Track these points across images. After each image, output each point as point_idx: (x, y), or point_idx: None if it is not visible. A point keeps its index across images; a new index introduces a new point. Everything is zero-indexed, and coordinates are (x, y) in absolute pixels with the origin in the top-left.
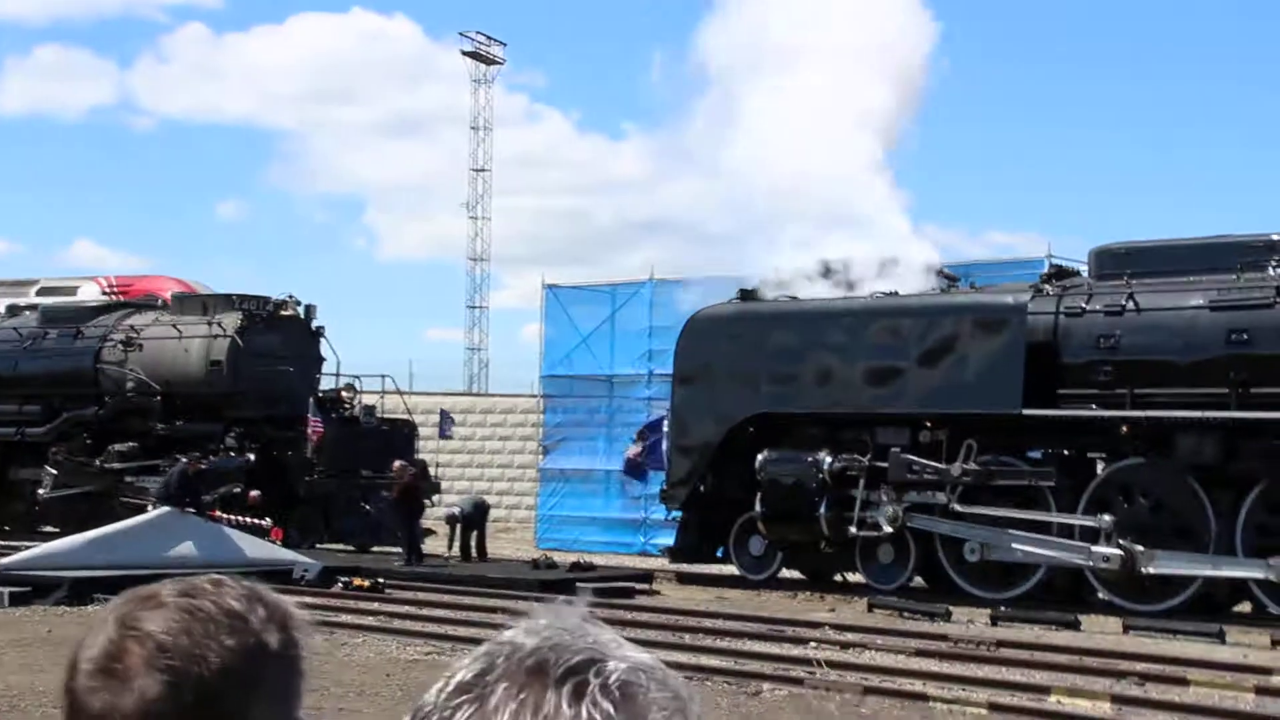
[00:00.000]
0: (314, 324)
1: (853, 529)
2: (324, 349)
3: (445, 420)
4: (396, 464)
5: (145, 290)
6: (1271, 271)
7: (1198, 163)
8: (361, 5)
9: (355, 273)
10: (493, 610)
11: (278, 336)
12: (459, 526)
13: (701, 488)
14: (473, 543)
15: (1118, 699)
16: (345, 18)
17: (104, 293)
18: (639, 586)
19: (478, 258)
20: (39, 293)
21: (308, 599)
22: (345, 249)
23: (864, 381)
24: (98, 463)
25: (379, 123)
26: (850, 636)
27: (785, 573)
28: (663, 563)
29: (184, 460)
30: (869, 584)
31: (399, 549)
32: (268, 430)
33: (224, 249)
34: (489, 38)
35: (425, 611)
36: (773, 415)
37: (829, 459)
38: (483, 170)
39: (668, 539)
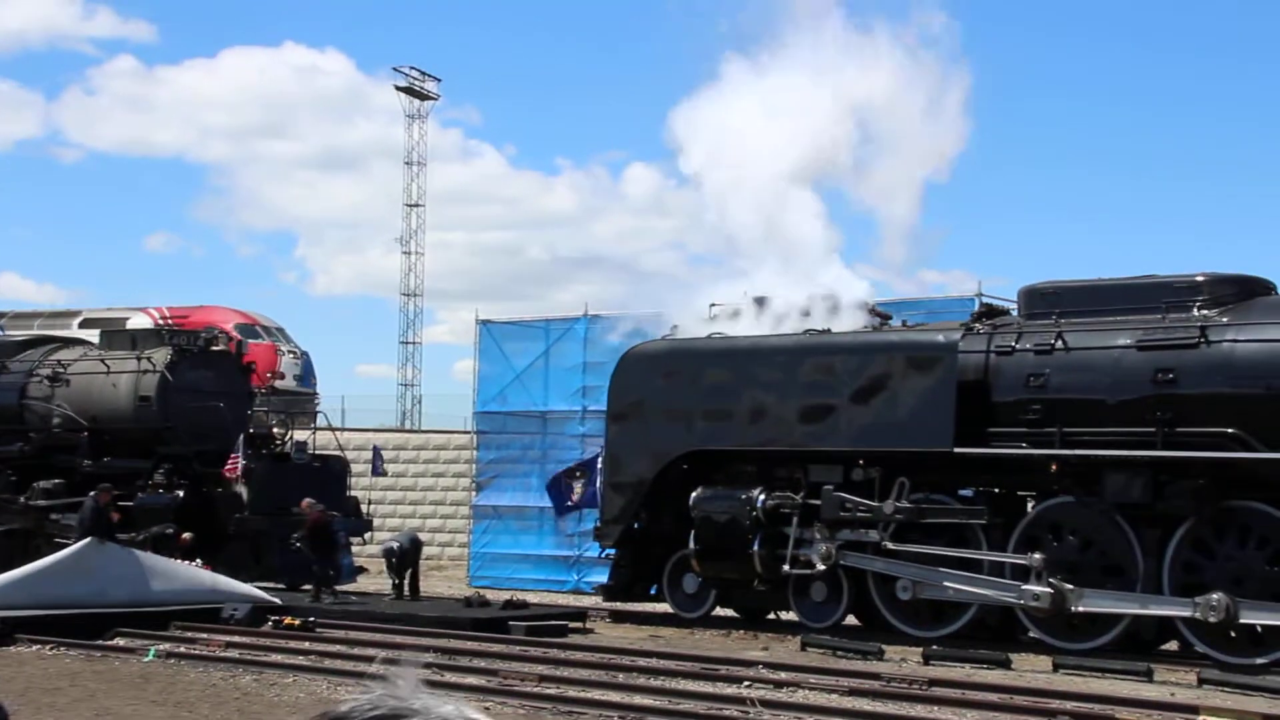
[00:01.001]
0: (245, 359)
1: (786, 567)
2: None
3: (377, 457)
4: (305, 502)
5: (204, 321)
6: (1196, 312)
7: (1122, 202)
8: (294, 40)
9: (286, 307)
10: (425, 649)
11: (208, 372)
12: (395, 562)
13: (635, 525)
14: (405, 579)
15: None
16: (277, 52)
17: (157, 324)
18: (572, 625)
19: (411, 293)
20: (82, 324)
21: (237, 638)
22: (276, 283)
23: (797, 419)
24: (22, 500)
25: (311, 157)
26: (784, 675)
27: (719, 611)
28: (596, 601)
29: (93, 493)
30: (802, 622)
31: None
32: (197, 466)
33: (152, 282)
34: (423, 73)
35: (357, 651)
36: (706, 452)
37: (762, 496)
38: (416, 205)
39: (601, 577)
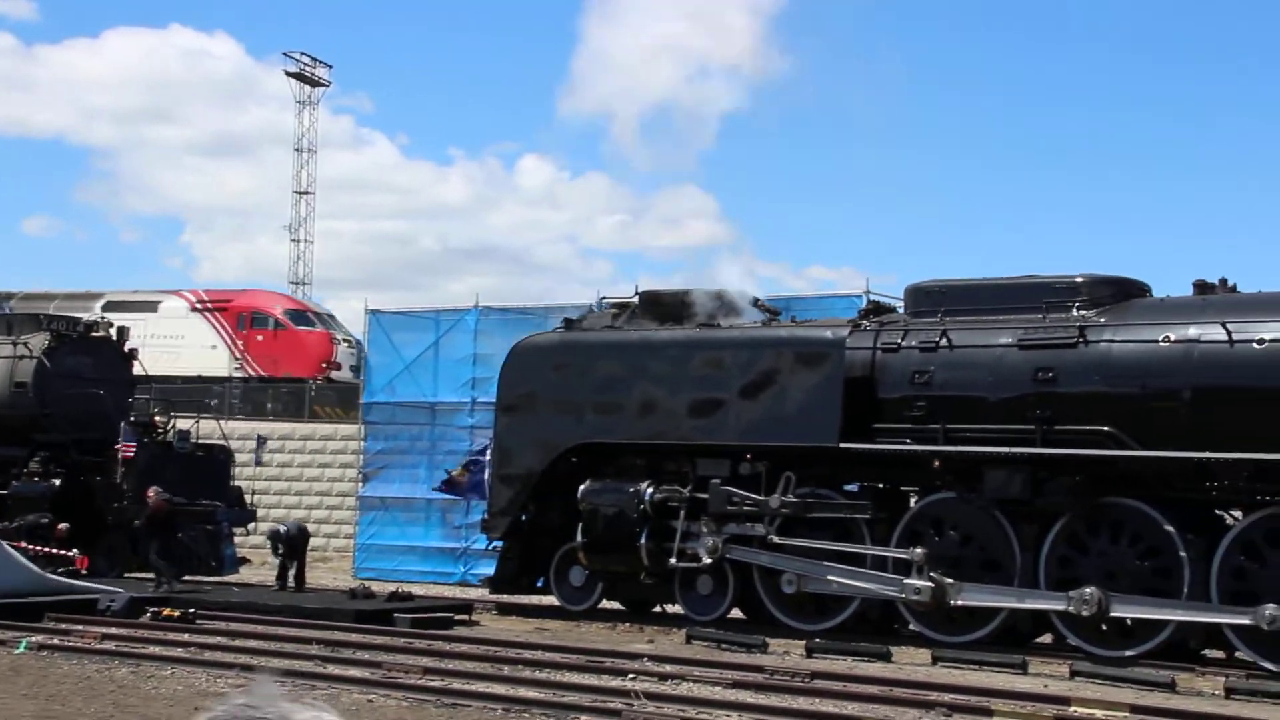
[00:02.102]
0: (127, 346)
1: (673, 560)
2: (138, 371)
3: (260, 446)
4: (150, 490)
5: (249, 306)
6: (1075, 312)
7: (1007, 200)
8: (181, 22)
9: None
10: (308, 641)
11: (88, 358)
12: (281, 549)
13: (523, 517)
14: (291, 569)
15: None
16: (164, 34)
17: (194, 308)
18: (458, 617)
19: (300, 281)
20: (105, 307)
21: (114, 630)
22: (161, 270)
23: (686, 413)
24: None
25: (199, 142)
26: (668, 668)
27: (605, 603)
28: (483, 593)
29: None
30: (688, 615)
31: (208, 578)
32: (75, 455)
33: (31, 266)
34: (314, 59)
35: (238, 643)
36: (595, 445)
37: (650, 490)
38: (306, 193)
39: (488, 569)
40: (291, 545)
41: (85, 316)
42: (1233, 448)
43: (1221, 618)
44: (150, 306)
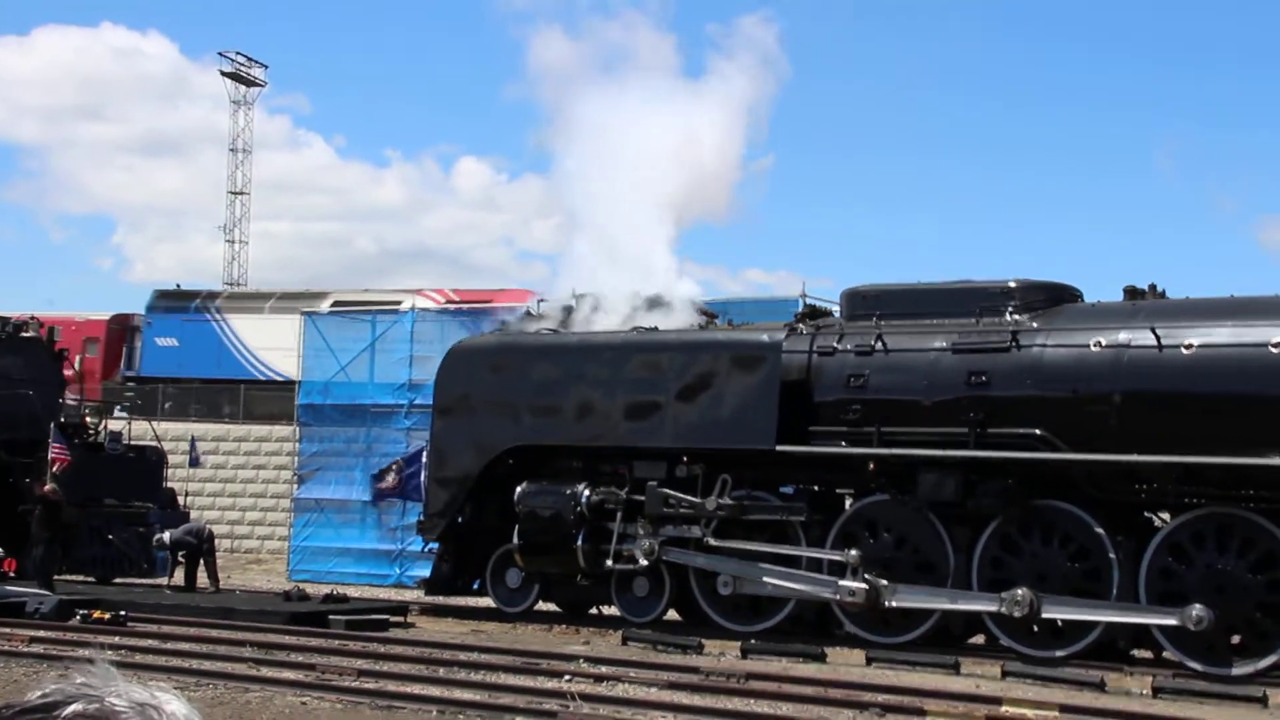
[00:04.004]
0: (57, 346)
1: (609, 562)
2: (68, 372)
3: (195, 448)
4: (47, 487)
5: (509, 304)
6: (1008, 316)
7: (941, 205)
8: (112, 20)
9: (102, 295)
10: (241, 644)
11: (17, 359)
12: (183, 554)
13: (459, 519)
14: (195, 572)
15: None
16: (95, 32)
17: (442, 308)
18: (394, 619)
19: (234, 282)
20: (332, 308)
21: (43, 633)
22: (91, 270)
23: (623, 415)
24: None
25: (131, 141)
26: (604, 669)
27: (542, 605)
28: (418, 595)
29: None
30: (624, 616)
31: (141, 580)
32: (5, 456)
33: None
34: (250, 59)
35: (170, 645)
36: (532, 447)
37: (587, 491)
38: (241, 193)
39: (424, 571)
40: (191, 551)
41: (303, 310)
42: (1161, 451)
43: (1149, 618)
44: (391, 304)
